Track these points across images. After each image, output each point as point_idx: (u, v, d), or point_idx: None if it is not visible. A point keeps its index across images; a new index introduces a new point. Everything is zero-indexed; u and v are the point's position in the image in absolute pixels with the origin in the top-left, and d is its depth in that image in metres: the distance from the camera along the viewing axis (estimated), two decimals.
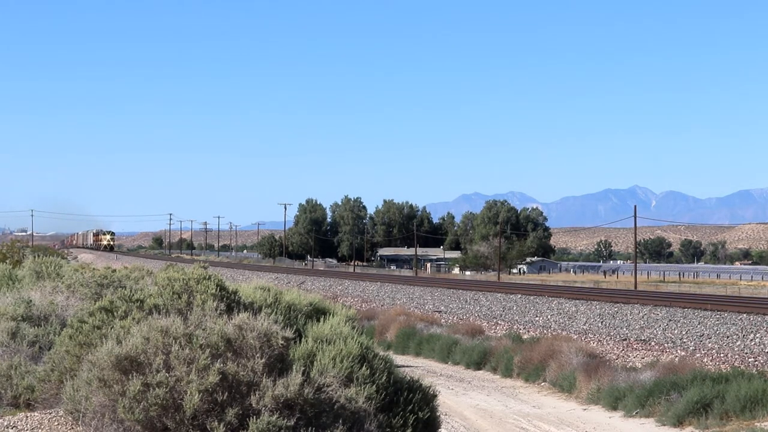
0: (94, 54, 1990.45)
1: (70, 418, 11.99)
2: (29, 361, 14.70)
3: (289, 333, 11.41)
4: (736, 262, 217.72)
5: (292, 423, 10.69)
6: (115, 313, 13.04)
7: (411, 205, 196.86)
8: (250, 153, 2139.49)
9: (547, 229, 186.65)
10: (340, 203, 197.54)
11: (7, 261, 47.48)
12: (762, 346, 27.96)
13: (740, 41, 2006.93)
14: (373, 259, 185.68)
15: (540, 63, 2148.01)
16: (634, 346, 30.02)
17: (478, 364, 30.44)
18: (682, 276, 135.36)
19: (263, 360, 11.09)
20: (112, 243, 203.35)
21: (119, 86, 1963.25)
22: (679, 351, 28.45)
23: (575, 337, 32.12)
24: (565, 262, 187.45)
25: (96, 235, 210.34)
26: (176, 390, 10.78)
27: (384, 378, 11.77)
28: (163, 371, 10.89)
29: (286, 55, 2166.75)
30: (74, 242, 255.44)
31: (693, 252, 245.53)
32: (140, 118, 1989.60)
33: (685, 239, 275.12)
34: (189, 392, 10.68)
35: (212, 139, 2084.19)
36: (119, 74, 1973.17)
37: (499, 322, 39.33)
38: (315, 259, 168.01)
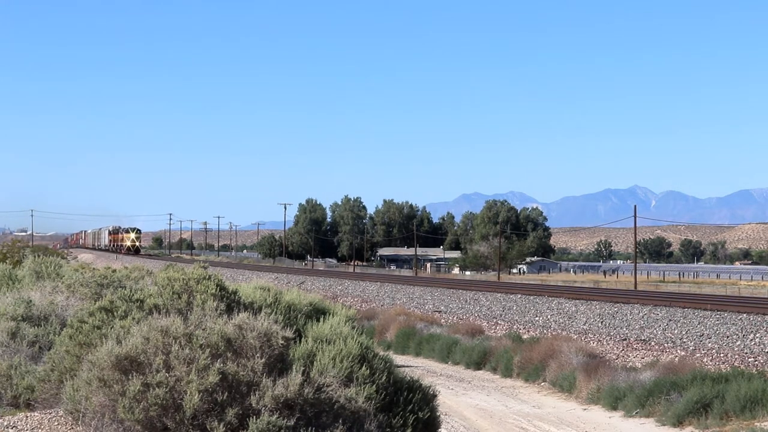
0: (93, 54, 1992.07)
1: (70, 418, 11.99)
2: (29, 361, 14.71)
3: (289, 333, 11.42)
4: (736, 262, 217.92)
5: (292, 423, 10.69)
6: (115, 313, 13.05)
7: (411, 205, 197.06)
8: (250, 153, 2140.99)
9: (547, 229, 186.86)
10: (340, 203, 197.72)
11: (7, 261, 47.52)
12: (762, 346, 27.97)
13: (740, 41, 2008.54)
14: (373, 259, 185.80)
15: (540, 63, 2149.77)
16: (634, 346, 30.01)
17: (478, 364, 30.43)
18: (682, 276, 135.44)
19: (263, 360, 11.10)
20: (137, 243, 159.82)
21: (118, 86, 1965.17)
22: (679, 351, 28.45)
23: (575, 337, 32.12)
24: (565, 262, 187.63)
25: (114, 233, 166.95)
26: (176, 390, 10.78)
27: (384, 378, 11.77)
28: (163, 371, 10.90)
29: (286, 55, 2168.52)
30: (81, 242, 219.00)
31: (693, 252, 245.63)
32: (140, 118, 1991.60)
33: (685, 239, 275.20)
34: (189, 392, 10.68)
35: (212, 139, 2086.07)
36: (118, 74, 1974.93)
37: (499, 322, 39.33)
38: (315, 259, 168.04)
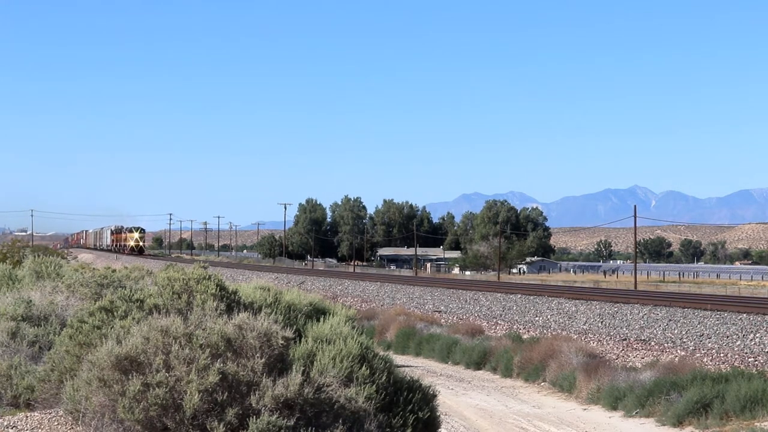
0: (93, 54, 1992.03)
1: (70, 418, 11.99)
2: (29, 361, 14.71)
3: (289, 333, 11.42)
4: (736, 262, 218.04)
5: (292, 423, 10.69)
6: (115, 313, 13.05)
7: (411, 205, 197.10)
8: (250, 153, 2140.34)
9: (547, 229, 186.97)
10: (340, 203, 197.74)
11: (7, 261, 47.52)
12: (762, 346, 27.97)
13: (740, 41, 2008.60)
14: (373, 259, 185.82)
15: (540, 63, 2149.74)
16: (634, 346, 30.02)
17: (478, 364, 30.43)
18: (682, 276, 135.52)
19: (263, 360, 11.10)
20: (141, 243, 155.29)
21: (118, 86, 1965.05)
22: (679, 351, 28.45)
23: (575, 337, 32.12)
24: (565, 262, 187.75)
25: (117, 232, 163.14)
26: (176, 390, 10.78)
27: (384, 378, 11.77)
28: (163, 371, 10.90)
29: (285, 55, 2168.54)
30: (82, 241, 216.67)
31: (693, 252, 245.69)
32: (140, 118, 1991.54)
33: (685, 239, 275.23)
34: (189, 392, 10.68)
35: (212, 139, 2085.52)
36: (118, 74, 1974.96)
37: (499, 322, 39.33)
38: (315, 259, 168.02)
